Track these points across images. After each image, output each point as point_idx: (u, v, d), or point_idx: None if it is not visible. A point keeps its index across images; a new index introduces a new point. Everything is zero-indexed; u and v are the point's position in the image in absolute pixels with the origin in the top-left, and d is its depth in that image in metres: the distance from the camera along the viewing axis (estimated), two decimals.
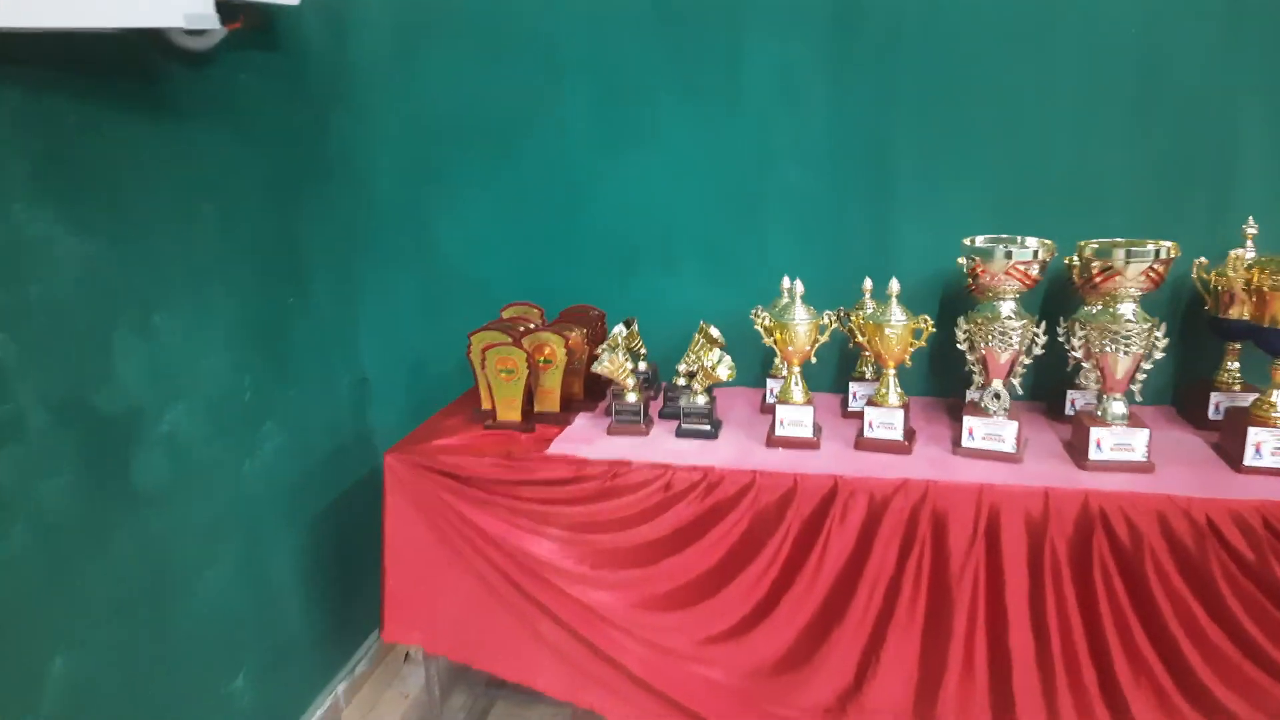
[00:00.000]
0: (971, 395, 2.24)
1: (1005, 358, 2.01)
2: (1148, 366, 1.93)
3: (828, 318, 2.13)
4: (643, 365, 2.57)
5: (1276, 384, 1.92)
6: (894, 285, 2.07)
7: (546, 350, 2.34)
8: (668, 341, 2.66)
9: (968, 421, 2.06)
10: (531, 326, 2.48)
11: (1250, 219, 2.13)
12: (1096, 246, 1.96)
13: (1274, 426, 1.88)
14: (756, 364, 2.63)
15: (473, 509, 2.19)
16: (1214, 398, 2.17)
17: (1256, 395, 2.00)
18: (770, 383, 2.45)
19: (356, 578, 2.84)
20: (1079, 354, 1.99)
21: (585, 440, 2.26)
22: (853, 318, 2.21)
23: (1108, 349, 1.91)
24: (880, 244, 2.47)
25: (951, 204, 2.41)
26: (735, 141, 2.53)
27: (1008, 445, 2.03)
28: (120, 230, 1.90)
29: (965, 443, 2.07)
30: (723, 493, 2.04)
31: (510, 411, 2.33)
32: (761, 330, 2.17)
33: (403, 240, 2.81)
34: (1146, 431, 1.92)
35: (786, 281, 2.38)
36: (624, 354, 2.28)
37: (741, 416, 2.41)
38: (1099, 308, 1.99)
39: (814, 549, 2.00)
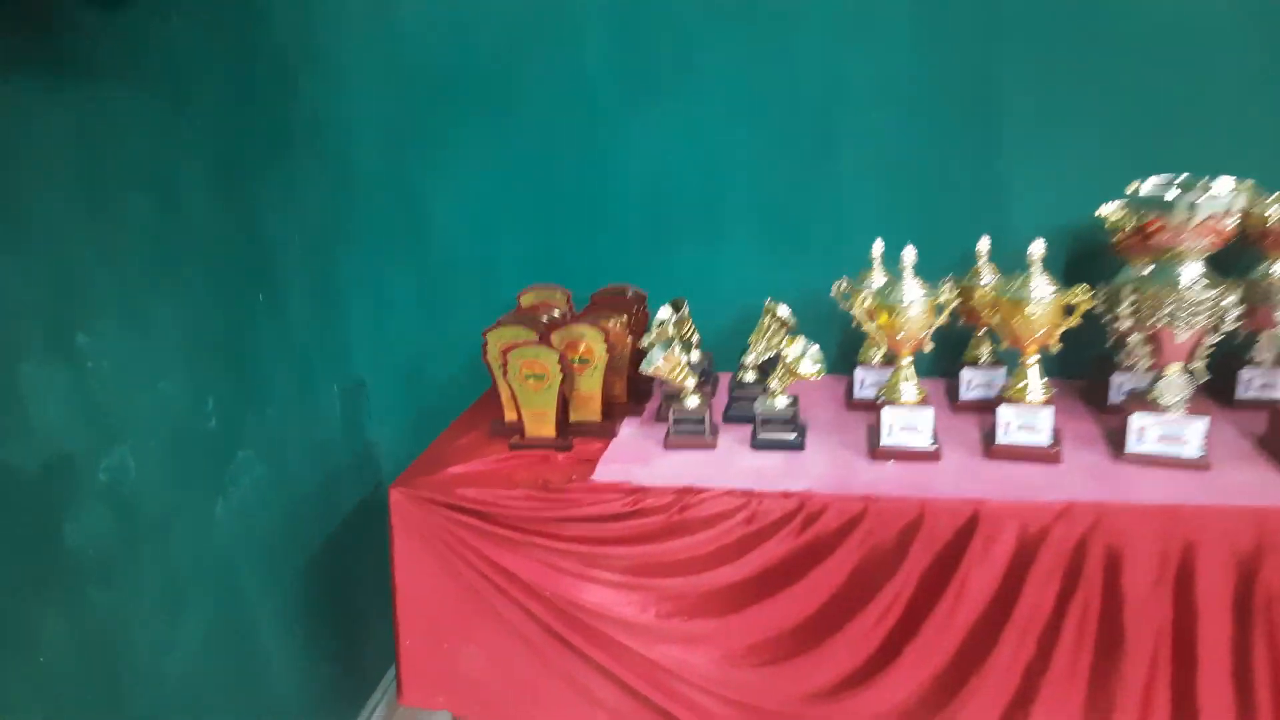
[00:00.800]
0: (1122, 382, 1.80)
1: (1187, 337, 1.55)
2: None
3: (946, 293, 1.66)
4: (695, 355, 2.11)
5: None
6: (1037, 248, 1.60)
7: (582, 347, 1.88)
8: (719, 324, 2.20)
9: (1137, 420, 1.60)
10: (556, 315, 2.02)
11: None
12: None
13: None
14: (832, 347, 2.17)
15: (503, 551, 1.74)
16: None
17: None
18: (860, 373, 1.99)
19: (363, 618, 2.41)
20: None
21: (638, 459, 1.81)
22: (976, 292, 1.74)
23: None
24: (985, 195, 2.00)
25: (1073, 145, 1.93)
26: (796, 77, 2.04)
27: (1191, 449, 1.58)
28: (14, 232, 1.42)
29: (1133, 447, 1.62)
30: (825, 525, 1.59)
31: (541, 425, 1.87)
32: (861, 314, 1.71)
33: (392, 220, 2.33)
34: None
35: (879, 247, 1.91)
36: (679, 347, 1.82)
37: (825, 418, 1.95)
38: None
39: (945, 592, 1.56)
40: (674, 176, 2.16)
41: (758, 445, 1.81)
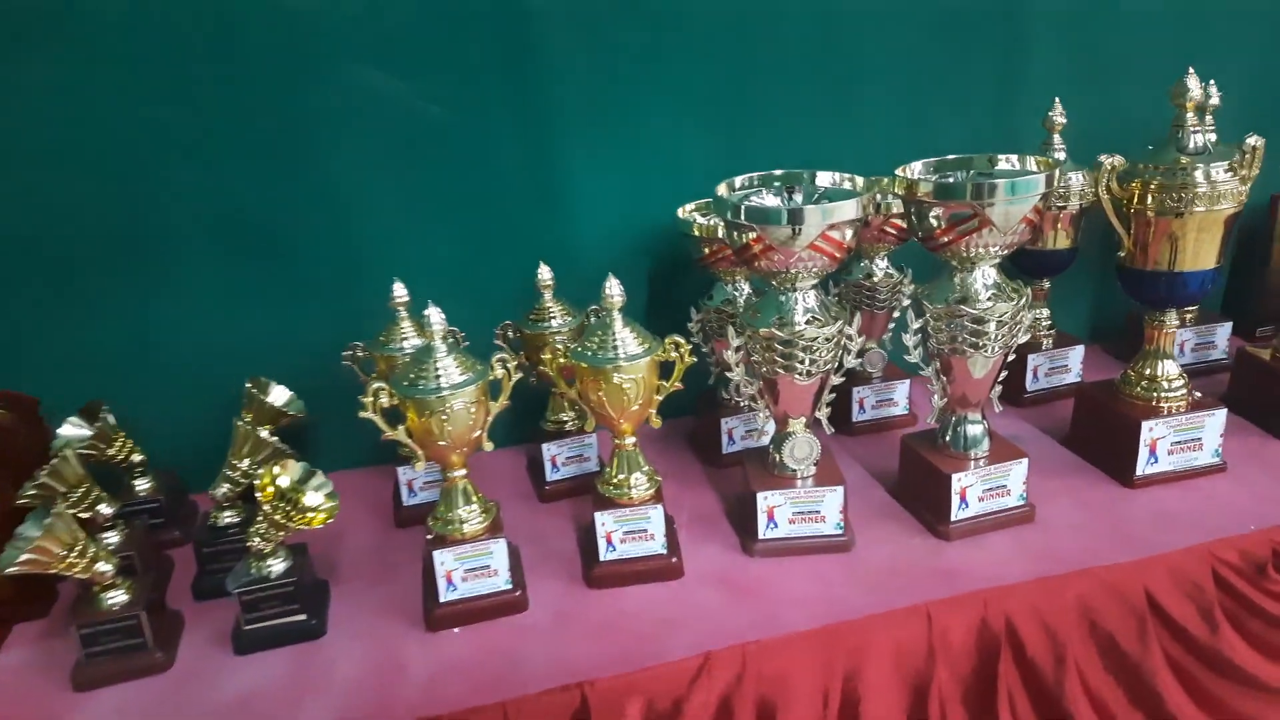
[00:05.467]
0: (734, 427, 1.43)
1: (810, 382, 1.17)
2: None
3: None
4: (144, 484, 1.33)
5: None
6: (613, 290, 1.11)
7: None
8: (183, 418, 1.41)
9: (766, 499, 1.20)
10: None
11: (1057, 103, 1.49)
12: (935, 175, 1.17)
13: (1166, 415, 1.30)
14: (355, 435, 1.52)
15: None
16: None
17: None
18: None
19: None
20: (917, 355, 1.21)
21: None
22: (548, 352, 1.19)
23: (964, 346, 1.16)
24: (546, 199, 1.46)
25: (643, 121, 1.46)
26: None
27: (829, 525, 1.22)
28: None
29: (765, 533, 1.22)
30: None
31: None
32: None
33: None
34: (1024, 464, 1.23)
35: (400, 292, 1.29)
36: (94, 495, 1.05)
37: (360, 548, 1.32)
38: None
39: None
40: (67, 180, 1.30)
41: (245, 646, 1.11)
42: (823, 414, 1.23)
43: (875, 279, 1.47)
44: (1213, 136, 1.24)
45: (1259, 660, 1.17)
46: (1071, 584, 1.14)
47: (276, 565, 1.12)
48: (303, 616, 1.13)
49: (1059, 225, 1.49)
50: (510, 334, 1.37)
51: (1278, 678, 1.18)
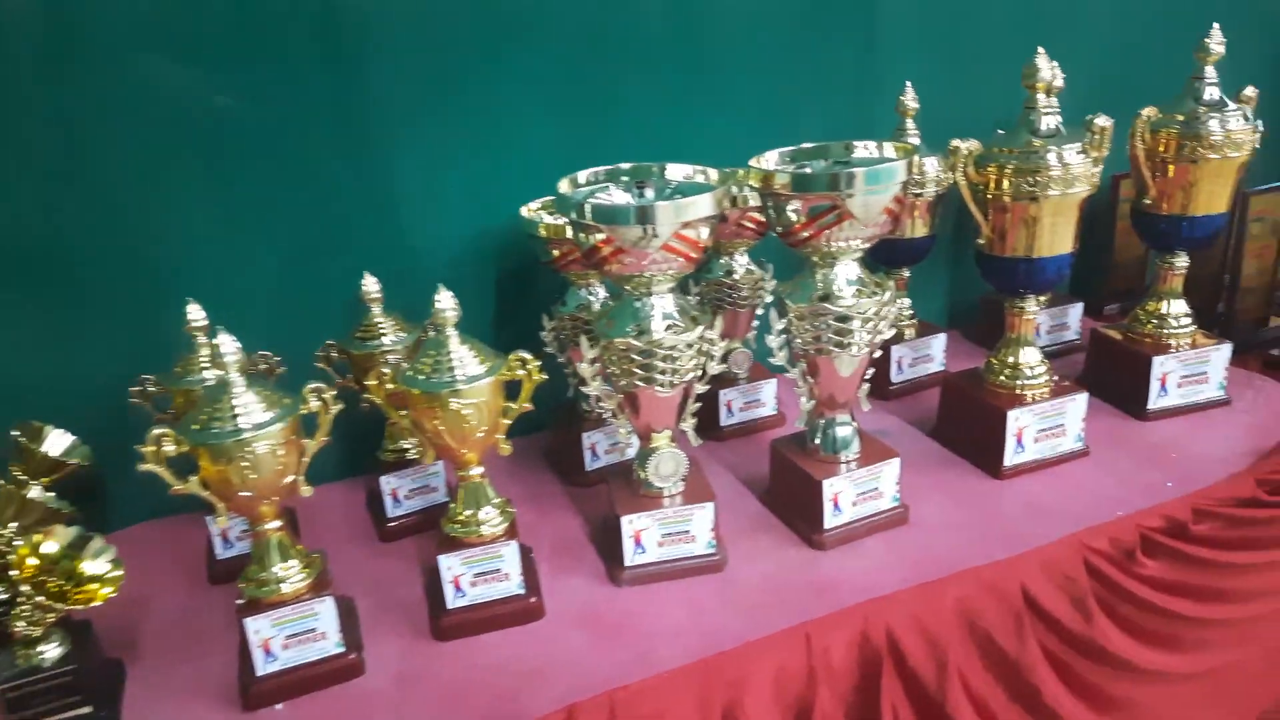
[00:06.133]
0: (596, 441, 1.32)
1: (672, 393, 1.08)
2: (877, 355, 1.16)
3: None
4: None
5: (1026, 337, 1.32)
6: (445, 303, 0.97)
7: None
8: None
9: (632, 523, 1.10)
10: None
11: (909, 87, 1.46)
12: (791, 165, 1.10)
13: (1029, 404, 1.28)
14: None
15: None
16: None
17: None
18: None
19: None
20: (782, 357, 1.14)
21: None
22: (374, 377, 1.04)
23: (829, 346, 1.09)
24: (373, 200, 1.30)
25: (483, 112, 1.32)
26: None
27: (700, 544, 1.13)
28: None
29: (633, 558, 1.12)
30: None
31: None
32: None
33: None
34: (895, 464, 1.18)
35: (196, 314, 1.11)
36: None
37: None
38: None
39: None
40: None
41: None
42: (688, 425, 1.14)
43: (736, 276, 1.39)
44: (1058, 119, 1.22)
45: (1131, 645, 1.17)
46: (949, 587, 1.10)
47: (49, 651, 0.93)
48: (87, 709, 0.94)
49: (916, 213, 1.46)
50: (335, 355, 1.21)
51: (1150, 660, 1.18)
